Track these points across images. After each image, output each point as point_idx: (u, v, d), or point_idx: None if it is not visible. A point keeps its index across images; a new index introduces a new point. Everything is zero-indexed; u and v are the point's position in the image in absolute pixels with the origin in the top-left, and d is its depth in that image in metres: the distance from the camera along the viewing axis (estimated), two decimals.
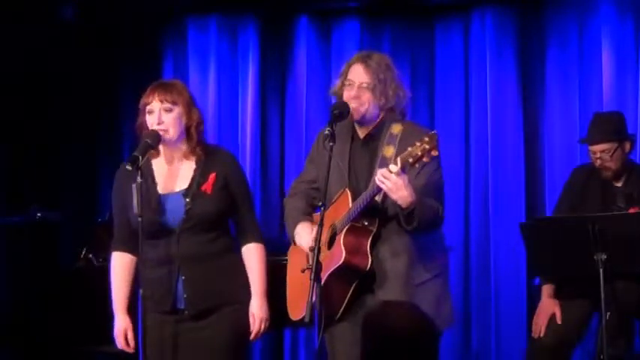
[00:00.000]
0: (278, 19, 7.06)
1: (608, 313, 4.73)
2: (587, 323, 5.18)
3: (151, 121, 4.05)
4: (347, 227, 4.05)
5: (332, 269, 4.04)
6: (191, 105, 4.10)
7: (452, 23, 6.83)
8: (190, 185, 4.08)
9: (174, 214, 4.06)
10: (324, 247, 4.13)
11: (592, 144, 5.18)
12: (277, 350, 6.94)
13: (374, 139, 4.19)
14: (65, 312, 5.58)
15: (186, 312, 4.06)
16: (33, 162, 6.88)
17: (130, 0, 6.98)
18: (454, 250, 6.07)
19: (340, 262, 4.02)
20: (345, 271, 4.05)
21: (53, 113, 6.90)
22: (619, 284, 4.87)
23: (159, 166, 4.15)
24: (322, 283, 3.99)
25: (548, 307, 5.16)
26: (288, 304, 4.32)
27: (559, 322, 5.11)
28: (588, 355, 5.32)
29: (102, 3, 6.91)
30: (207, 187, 4.08)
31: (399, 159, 3.83)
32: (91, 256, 5.83)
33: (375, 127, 4.20)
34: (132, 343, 4.12)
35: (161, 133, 4.03)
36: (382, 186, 3.87)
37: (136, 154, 3.95)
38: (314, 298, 3.82)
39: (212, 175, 4.09)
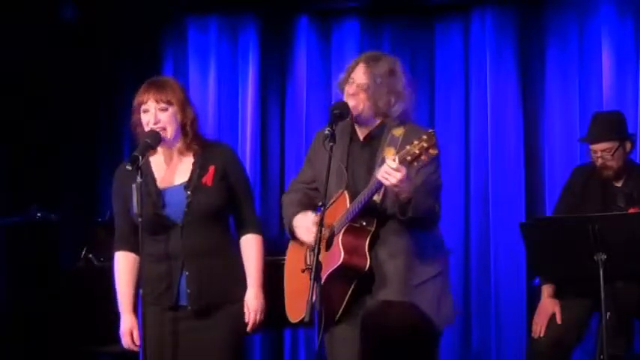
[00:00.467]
0: (278, 19, 7.06)
1: (608, 313, 4.72)
2: (587, 323, 5.18)
3: (147, 120, 4.06)
4: (345, 227, 4.05)
5: (331, 270, 4.04)
6: (185, 103, 4.12)
7: (452, 23, 6.82)
8: (191, 178, 4.10)
9: (176, 207, 4.07)
10: (322, 248, 4.13)
11: (593, 143, 5.18)
12: (277, 350, 6.94)
13: (374, 140, 4.19)
14: (65, 312, 5.58)
15: (188, 308, 4.07)
16: (33, 162, 6.88)
17: (130, 0, 6.98)
18: (454, 250, 6.07)
19: (339, 262, 4.02)
20: (343, 272, 4.05)
21: (53, 113, 6.90)
22: (619, 284, 4.87)
23: (157, 162, 4.17)
24: (322, 283, 3.98)
25: (548, 307, 5.16)
26: (286, 306, 4.32)
27: (559, 322, 5.12)
28: (588, 355, 5.31)
29: (102, 3, 6.91)
30: (208, 179, 4.09)
31: (396, 157, 3.83)
32: (91, 256, 5.83)
33: (376, 129, 4.20)
34: (138, 341, 4.13)
35: (160, 132, 4.05)
36: (385, 182, 3.87)
37: (136, 154, 3.97)
38: (314, 298, 3.82)
39: (212, 168, 4.11)
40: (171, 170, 4.15)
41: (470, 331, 6.66)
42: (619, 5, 6.45)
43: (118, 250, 4.22)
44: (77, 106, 6.95)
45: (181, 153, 4.15)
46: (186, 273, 4.07)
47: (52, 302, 5.67)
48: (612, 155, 5.12)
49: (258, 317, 4.11)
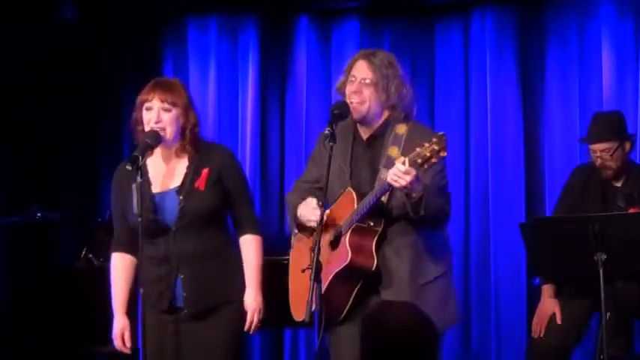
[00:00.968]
0: (278, 19, 7.06)
1: (608, 313, 4.72)
2: (587, 323, 5.18)
3: (149, 118, 4.05)
4: (352, 228, 4.05)
5: (337, 269, 4.05)
6: (189, 106, 4.11)
7: (452, 23, 6.82)
8: (183, 183, 4.10)
9: (169, 212, 4.07)
10: (328, 248, 4.13)
11: (593, 143, 5.18)
12: (277, 350, 6.93)
13: (378, 139, 4.19)
14: (65, 312, 5.58)
15: (185, 311, 4.06)
16: (33, 162, 6.88)
17: (130, 0, 6.98)
18: (454, 250, 6.06)
19: (346, 262, 4.02)
20: (350, 272, 4.05)
21: (53, 113, 6.90)
22: (619, 284, 4.87)
23: (153, 165, 4.16)
24: (327, 283, 4.00)
25: (548, 307, 5.16)
26: (291, 305, 4.32)
27: (559, 322, 5.12)
28: (588, 355, 5.32)
29: (102, 3, 6.91)
30: (200, 183, 4.08)
31: (407, 160, 3.83)
32: (91, 256, 5.83)
33: (379, 128, 4.19)
34: (128, 344, 4.14)
35: (159, 132, 4.04)
36: (395, 184, 3.86)
37: (135, 154, 3.96)
38: (314, 298, 3.82)
39: (205, 171, 4.10)
40: (167, 173, 4.14)
41: (470, 330, 6.65)
42: (619, 5, 6.45)
43: (115, 251, 4.22)
44: (77, 106, 6.95)
45: (177, 155, 4.14)
46: (182, 276, 4.07)
47: (51, 302, 5.67)
48: (612, 155, 5.12)
49: (256, 318, 4.11)
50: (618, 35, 6.44)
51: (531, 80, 6.66)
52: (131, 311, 4.13)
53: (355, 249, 4.03)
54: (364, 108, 4.15)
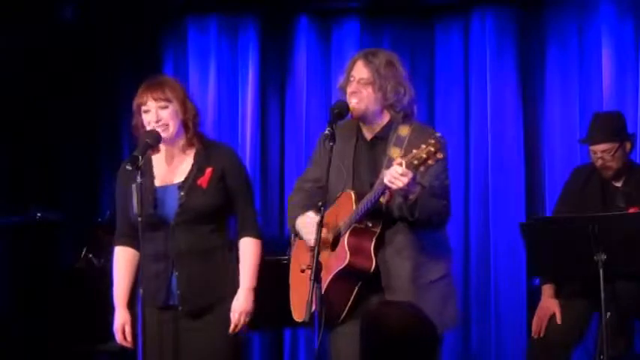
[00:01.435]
0: (278, 19, 7.06)
1: (608, 313, 4.73)
2: (587, 323, 5.17)
3: (149, 120, 4.07)
4: (351, 229, 4.05)
5: (336, 270, 4.05)
6: (185, 99, 4.13)
7: (452, 23, 6.82)
8: (186, 178, 4.10)
9: (170, 206, 4.08)
10: (327, 249, 4.14)
11: (593, 144, 5.18)
12: (277, 350, 6.93)
13: (381, 140, 4.18)
14: (65, 312, 5.58)
15: (179, 308, 4.07)
16: (33, 162, 6.88)
17: (130, 0, 6.98)
18: (454, 250, 6.06)
19: (344, 263, 4.02)
20: (349, 273, 4.05)
21: (53, 113, 6.90)
22: (619, 284, 4.87)
23: (159, 160, 4.18)
24: (326, 284, 4.00)
25: (549, 307, 5.16)
26: (291, 306, 4.32)
27: (559, 322, 5.11)
28: (588, 355, 5.31)
29: (102, 3, 6.91)
30: (203, 181, 4.09)
31: (403, 162, 3.83)
32: (91, 256, 5.84)
33: (383, 129, 4.19)
34: (129, 337, 4.13)
35: (162, 129, 4.05)
36: (392, 186, 3.86)
37: (135, 154, 3.97)
38: (314, 299, 3.82)
39: (209, 170, 4.10)
40: (172, 169, 4.15)
41: (469, 330, 6.65)
42: (619, 5, 6.45)
43: (118, 244, 4.23)
44: (77, 106, 6.95)
45: (183, 151, 4.15)
46: (176, 273, 4.07)
47: (51, 302, 5.67)
48: (612, 156, 5.12)
49: (242, 319, 4.09)
50: (618, 35, 6.44)
51: (531, 80, 6.66)
52: (132, 306, 4.13)
53: (354, 250, 4.03)
54: (362, 107, 4.15)
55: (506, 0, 6.70)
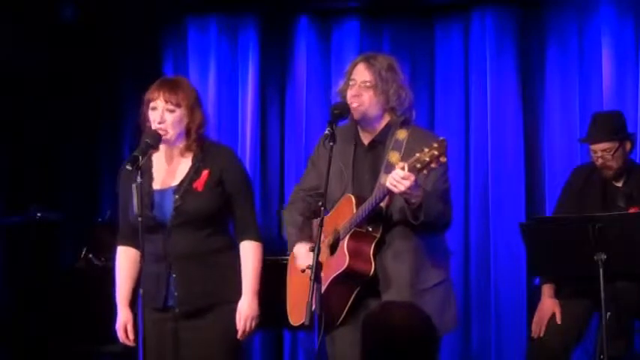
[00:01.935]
0: (278, 19, 7.06)
1: (608, 313, 4.72)
2: (587, 323, 5.17)
3: (153, 117, 4.06)
4: (350, 233, 4.05)
5: (335, 274, 4.04)
6: (195, 106, 4.11)
7: (452, 23, 6.82)
8: (182, 182, 4.09)
9: (166, 210, 4.08)
10: (327, 252, 4.14)
11: (593, 143, 5.18)
12: (277, 350, 6.93)
13: (378, 144, 4.18)
14: (65, 312, 5.58)
15: (177, 310, 4.07)
16: (33, 162, 6.88)
17: (129, 0, 6.98)
18: (454, 251, 6.06)
19: (343, 267, 4.02)
20: (348, 277, 4.05)
21: (53, 113, 6.90)
22: (619, 284, 4.86)
23: (158, 161, 4.17)
24: (325, 287, 3.99)
25: (548, 307, 5.16)
26: (288, 310, 4.32)
27: (559, 322, 5.11)
28: (588, 355, 5.31)
29: (102, 3, 6.91)
30: (199, 184, 4.08)
31: (406, 165, 3.82)
32: (91, 256, 5.84)
33: (380, 133, 4.19)
34: (132, 336, 4.13)
35: (161, 132, 4.04)
36: (394, 189, 3.86)
37: (135, 154, 3.97)
38: (313, 300, 3.82)
39: (205, 172, 4.09)
40: (169, 172, 4.14)
41: (470, 331, 6.65)
42: (619, 5, 6.45)
43: (121, 244, 4.23)
44: (77, 106, 6.96)
45: (182, 154, 4.14)
46: (174, 275, 4.07)
47: (51, 302, 5.67)
48: (612, 155, 5.12)
49: (249, 325, 4.08)
50: (618, 35, 6.44)
51: (531, 80, 6.67)
52: (134, 306, 4.13)
53: (353, 254, 4.03)
54: (364, 110, 4.14)
55: (506, 0, 6.70)
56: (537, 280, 5.41)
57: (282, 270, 4.45)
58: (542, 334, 5.14)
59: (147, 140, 4.02)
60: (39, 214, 6.01)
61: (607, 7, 6.47)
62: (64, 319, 5.58)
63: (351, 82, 4.18)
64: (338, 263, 4.04)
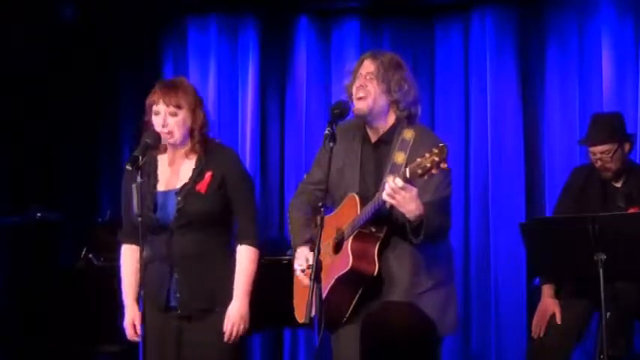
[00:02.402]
0: (278, 19, 7.06)
1: (608, 313, 4.72)
2: (587, 323, 5.18)
3: (157, 122, 4.07)
4: (355, 233, 4.05)
5: (339, 274, 4.05)
6: (196, 107, 4.12)
7: (452, 23, 6.83)
8: (185, 184, 4.10)
9: (169, 211, 4.08)
10: (331, 253, 4.14)
11: (592, 145, 5.18)
12: (277, 350, 6.94)
13: (385, 143, 4.18)
14: (65, 312, 5.58)
15: (178, 311, 4.07)
16: (33, 162, 6.88)
17: (129, 0, 6.98)
18: (454, 251, 6.06)
19: (347, 267, 4.02)
20: (352, 277, 4.05)
21: (53, 113, 6.90)
22: (619, 284, 4.87)
23: (163, 163, 4.17)
24: (330, 287, 4.01)
25: (548, 307, 5.16)
26: (295, 307, 4.32)
27: (559, 322, 5.11)
28: (588, 355, 5.32)
29: (102, 3, 6.91)
30: (202, 186, 4.09)
31: (407, 170, 3.82)
32: (91, 256, 5.83)
33: (387, 132, 4.19)
34: (140, 332, 4.12)
35: (167, 136, 4.05)
36: (391, 201, 3.86)
37: (135, 154, 3.97)
38: (313, 299, 3.82)
39: (208, 174, 4.10)
40: (174, 173, 4.15)
41: (470, 331, 6.66)
42: (619, 5, 6.45)
43: (125, 242, 4.23)
44: (77, 106, 6.96)
45: (186, 156, 4.15)
46: (176, 276, 4.07)
47: (51, 302, 5.67)
48: (611, 157, 5.12)
49: (235, 330, 4.08)
50: (618, 35, 6.44)
51: (531, 80, 6.67)
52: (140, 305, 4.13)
53: (357, 255, 4.03)
54: (369, 101, 4.15)
55: (506, 0, 6.70)
56: (537, 280, 5.41)
57: (282, 270, 4.46)
58: (542, 334, 5.14)
59: (147, 140, 4.03)
60: (39, 214, 6.01)
61: (607, 8, 6.47)
62: (64, 319, 5.58)
63: (358, 76, 4.20)
64: (342, 263, 4.05)
